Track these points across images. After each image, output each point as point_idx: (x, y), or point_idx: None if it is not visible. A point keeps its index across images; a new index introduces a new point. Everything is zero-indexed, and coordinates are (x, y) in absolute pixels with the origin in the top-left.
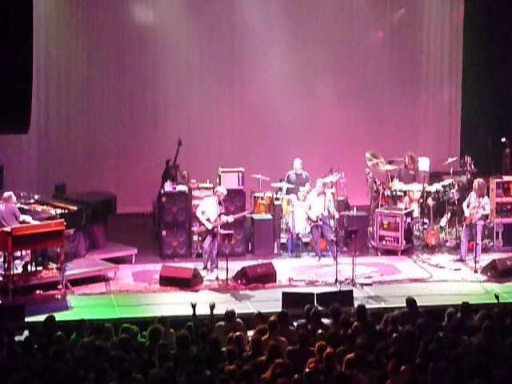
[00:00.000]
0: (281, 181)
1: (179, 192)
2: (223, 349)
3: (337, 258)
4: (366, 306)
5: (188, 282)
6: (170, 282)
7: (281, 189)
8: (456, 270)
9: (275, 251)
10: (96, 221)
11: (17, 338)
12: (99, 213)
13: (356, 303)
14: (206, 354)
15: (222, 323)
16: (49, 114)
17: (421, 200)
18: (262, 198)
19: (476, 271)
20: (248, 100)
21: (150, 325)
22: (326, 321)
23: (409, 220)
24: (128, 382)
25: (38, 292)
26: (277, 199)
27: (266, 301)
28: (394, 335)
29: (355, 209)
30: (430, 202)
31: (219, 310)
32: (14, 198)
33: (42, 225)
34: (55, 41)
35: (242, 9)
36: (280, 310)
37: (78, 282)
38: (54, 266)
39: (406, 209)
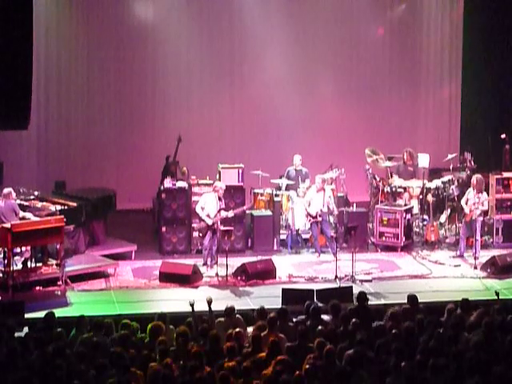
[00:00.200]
0: (280, 177)
1: (179, 188)
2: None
3: (336, 254)
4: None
5: (188, 279)
6: (170, 278)
7: (280, 185)
8: (456, 266)
9: (275, 247)
10: (96, 217)
11: (17, 335)
12: (99, 209)
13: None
14: (206, 350)
15: (222, 319)
16: (49, 110)
17: (420, 196)
18: (261, 195)
19: (476, 267)
20: (248, 97)
21: (149, 321)
22: (325, 317)
23: (408, 216)
24: (127, 378)
25: (37, 288)
26: (276, 195)
27: (266, 297)
28: (394, 331)
29: (355, 205)
30: (430, 198)
31: (219, 307)
32: (14, 195)
33: (42, 221)
34: (55, 39)
35: (242, 7)
36: (280, 306)
37: (77, 278)
38: (54, 262)
39: (405, 205)
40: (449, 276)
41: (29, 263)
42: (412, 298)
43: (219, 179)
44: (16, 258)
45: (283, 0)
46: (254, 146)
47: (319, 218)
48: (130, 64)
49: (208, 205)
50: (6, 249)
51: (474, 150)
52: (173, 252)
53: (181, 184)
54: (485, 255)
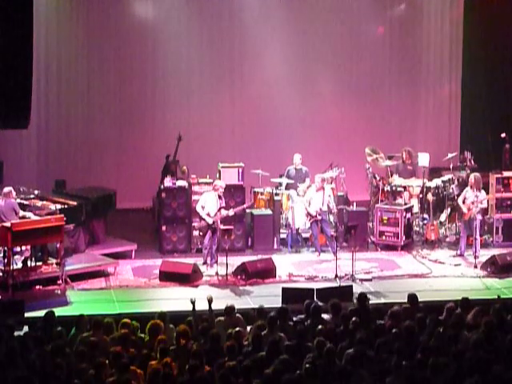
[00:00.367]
0: (280, 176)
1: (179, 187)
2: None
3: (336, 253)
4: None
5: (188, 278)
6: (170, 277)
7: (280, 184)
8: (456, 265)
9: (275, 246)
10: (96, 216)
11: (16, 334)
12: (99, 208)
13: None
14: (206, 349)
15: (222, 318)
16: (49, 109)
17: (420, 195)
18: (261, 194)
19: (476, 266)
20: (248, 95)
21: (149, 320)
22: (325, 316)
23: (408, 215)
24: (127, 377)
25: (37, 287)
26: (276, 194)
27: (266, 296)
28: (394, 331)
29: (355, 204)
30: (430, 197)
31: (219, 306)
32: (14, 194)
33: (42, 220)
34: (55, 39)
35: (242, 7)
36: (280, 305)
37: (77, 277)
38: (54, 261)
39: (405, 204)
40: (449, 275)
41: (29, 262)
42: (412, 298)
43: (219, 178)
44: (16, 257)
45: (283, 0)
46: (254, 145)
47: (319, 217)
48: (130, 64)
49: (208, 204)
50: (6, 248)
51: (474, 149)
52: (173, 251)
53: (181, 183)
54: (485, 254)
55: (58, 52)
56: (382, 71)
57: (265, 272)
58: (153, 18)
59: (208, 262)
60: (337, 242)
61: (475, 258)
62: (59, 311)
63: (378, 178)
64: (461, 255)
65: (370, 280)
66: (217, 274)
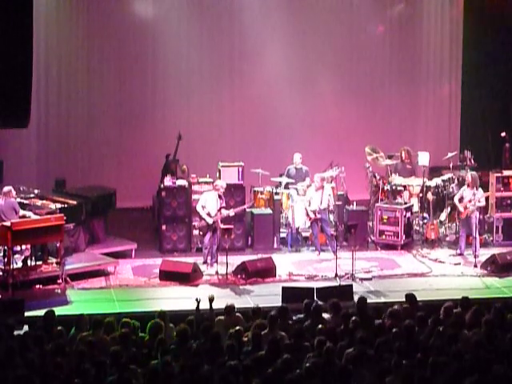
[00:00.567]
0: (281, 175)
1: (179, 186)
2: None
3: (336, 252)
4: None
5: (188, 277)
6: (170, 276)
7: (280, 183)
8: (456, 264)
9: (275, 246)
10: (96, 215)
11: (16, 333)
12: (99, 207)
13: (356, 298)
14: (206, 348)
15: (222, 318)
16: (48, 108)
17: (420, 194)
18: (261, 193)
19: (476, 266)
20: (248, 95)
21: (150, 319)
22: (325, 315)
23: (408, 214)
24: (127, 377)
25: (37, 286)
26: (276, 194)
27: (266, 295)
28: (394, 330)
29: (355, 203)
30: (430, 196)
31: (219, 305)
32: (14, 193)
33: (42, 219)
34: (55, 39)
35: (242, 7)
36: (280, 304)
37: (77, 276)
38: (54, 260)
39: (405, 203)
40: (449, 274)
41: (29, 261)
42: (410, 297)
43: (219, 177)
44: (16, 256)
45: (283, 0)
46: (254, 145)
47: (318, 216)
48: (130, 63)
49: (209, 203)
50: (6, 247)
51: (473, 148)
52: (173, 250)
53: (181, 182)
54: (485, 253)
55: (58, 52)
56: (382, 71)
57: (265, 271)
58: (153, 18)
59: (208, 261)
60: (337, 241)
61: (475, 257)
62: (59, 310)
63: (378, 177)
64: (461, 254)
65: (369, 279)
66: (217, 273)
